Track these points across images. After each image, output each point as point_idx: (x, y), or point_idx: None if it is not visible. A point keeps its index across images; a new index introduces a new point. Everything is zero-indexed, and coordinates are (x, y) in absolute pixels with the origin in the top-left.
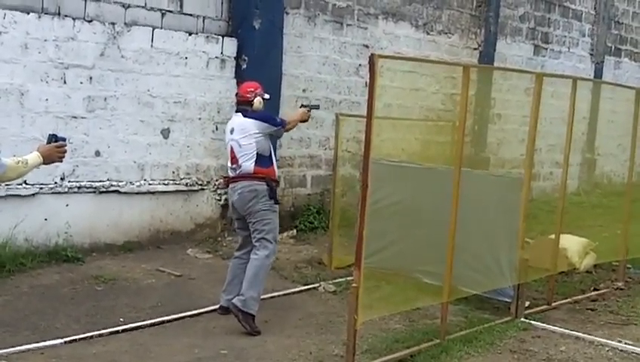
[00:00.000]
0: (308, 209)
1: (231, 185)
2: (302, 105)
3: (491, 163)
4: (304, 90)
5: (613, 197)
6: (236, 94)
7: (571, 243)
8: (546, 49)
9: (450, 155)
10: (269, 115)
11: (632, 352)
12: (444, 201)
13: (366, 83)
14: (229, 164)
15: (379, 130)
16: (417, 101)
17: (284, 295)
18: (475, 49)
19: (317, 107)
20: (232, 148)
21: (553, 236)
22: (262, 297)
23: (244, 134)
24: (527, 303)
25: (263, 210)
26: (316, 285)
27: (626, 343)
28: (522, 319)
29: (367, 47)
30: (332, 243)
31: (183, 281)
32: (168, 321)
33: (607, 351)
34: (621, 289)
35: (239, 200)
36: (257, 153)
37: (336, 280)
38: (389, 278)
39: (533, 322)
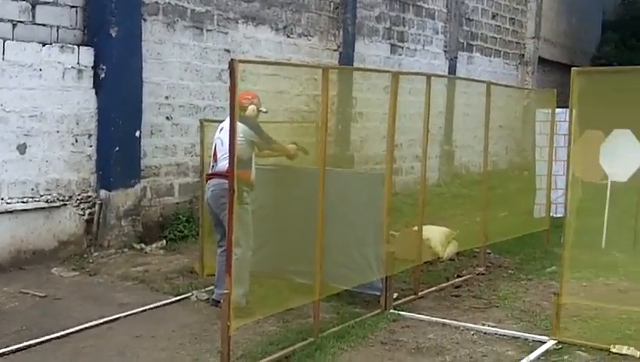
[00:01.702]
0: (177, 218)
1: (207, 182)
2: (294, 143)
3: (355, 160)
4: (167, 98)
5: (471, 186)
6: None
7: (434, 234)
8: (402, 47)
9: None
10: (260, 129)
11: (495, 334)
12: (312, 201)
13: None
14: (211, 161)
15: None
16: (282, 104)
17: (156, 307)
18: (334, 50)
19: (306, 151)
20: (215, 146)
21: (416, 228)
22: (132, 311)
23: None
24: (395, 294)
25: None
26: (188, 294)
27: (489, 325)
28: (392, 310)
29: (228, 51)
30: (202, 250)
31: (48, 302)
32: (35, 344)
33: (472, 334)
34: (483, 274)
35: (211, 197)
36: (238, 155)
37: (209, 288)
38: (262, 281)
39: (402, 312)
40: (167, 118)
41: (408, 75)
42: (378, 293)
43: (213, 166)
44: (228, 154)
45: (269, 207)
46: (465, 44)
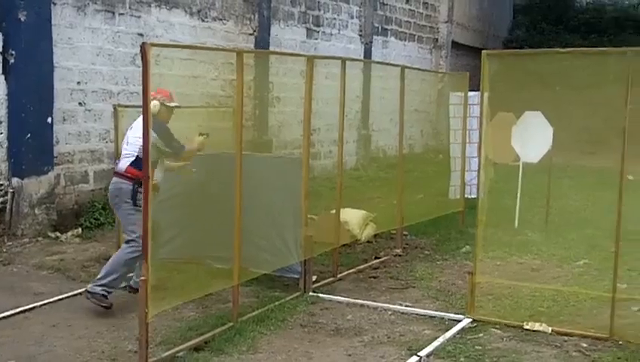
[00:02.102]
0: (92, 205)
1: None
2: (200, 134)
3: (274, 145)
4: (79, 83)
5: (388, 169)
6: None
7: (352, 217)
8: (318, 32)
9: (233, 141)
10: (170, 137)
11: (412, 313)
12: (230, 186)
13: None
14: (116, 161)
15: None
16: (197, 88)
17: (72, 296)
18: (250, 34)
19: (206, 134)
20: (121, 145)
21: (334, 211)
22: (48, 301)
23: (135, 134)
24: (314, 277)
25: (125, 209)
26: None
27: (406, 305)
28: (311, 293)
29: (142, 35)
30: (120, 238)
31: None
32: None
33: (390, 314)
34: (400, 255)
35: (109, 195)
36: (137, 156)
37: (129, 275)
38: (181, 268)
39: (321, 295)
40: (80, 103)
41: (323, 58)
42: (297, 276)
43: (116, 164)
44: (129, 154)
45: (186, 193)
46: (380, 28)
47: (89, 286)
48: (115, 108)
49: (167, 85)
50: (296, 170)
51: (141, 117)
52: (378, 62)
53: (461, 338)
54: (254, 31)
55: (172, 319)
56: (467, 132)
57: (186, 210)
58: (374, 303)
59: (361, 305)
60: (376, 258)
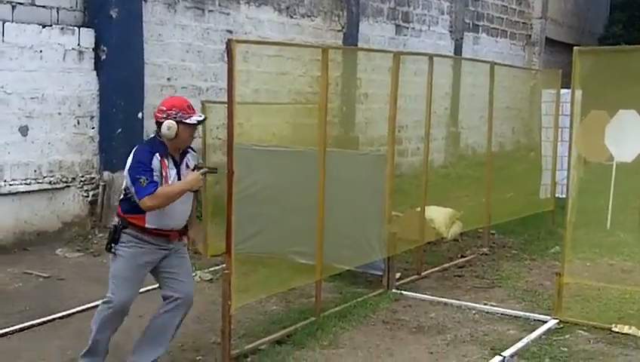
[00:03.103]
0: None
1: None
2: (195, 168)
3: (360, 142)
4: (169, 79)
5: (477, 167)
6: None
7: (438, 214)
8: (407, 28)
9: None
10: (140, 171)
11: (497, 313)
12: (313, 182)
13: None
14: None
15: (248, 115)
16: (285, 85)
17: (158, 288)
18: (338, 31)
19: (215, 171)
20: None
21: (419, 208)
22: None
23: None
24: (398, 274)
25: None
26: (192, 275)
27: (491, 305)
28: (394, 290)
29: (230, 32)
30: (206, 231)
31: (52, 283)
32: (38, 324)
33: (474, 313)
34: (486, 254)
35: None
36: (126, 194)
37: (213, 269)
38: (265, 262)
39: (404, 292)
40: None
41: (410, 55)
42: (380, 273)
43: None
44: (121, 192)
45: (270, 188)
46: (471, 24)
47: None
48: (202, 105)
49: (255, 82)
50: (381, 167)
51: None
52: (467, 59)
53: (546, 340)
54: (343, 27)
55: (255, 312)
56: (559, 130)
57: (271, 205)
58: (458, 302)
59: (445, 304)
60: (461, 256)
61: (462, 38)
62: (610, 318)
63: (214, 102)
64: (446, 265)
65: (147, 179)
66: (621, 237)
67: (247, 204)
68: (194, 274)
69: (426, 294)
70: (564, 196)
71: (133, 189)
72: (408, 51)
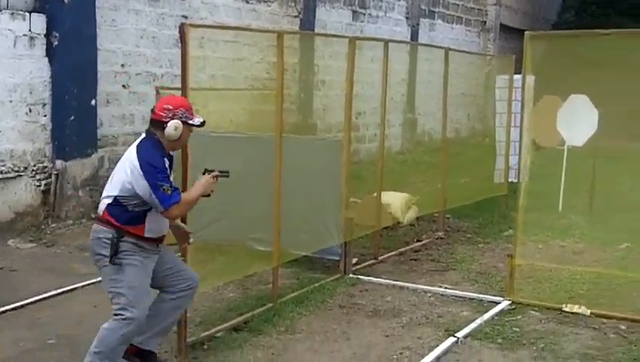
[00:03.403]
0: None
1: None
2: (205, 171)
3: (318, 128)
4: (122, 66)
5: (433, 153)
6: (152, 109)
7: (394, 199)
8: (364, 14)
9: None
10: (153, 169)
11: (451, 295)
12: (270, 169)
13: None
14: None
15: (205, 101)
16: (242, 71)
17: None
18: (295, 17)
19: (227, 174)
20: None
21: (376, 194)
22: (91, 281)
23: (121, 167)
24: (355, 259)
25: (106, 270)
26: None
27: (445, 287)
28: (351, 275)
29: (186, 17)
30: None
31: (4, 274)
32: None
33: (430, 296)
34: (442, 238)
35: (90, 250)
36: (116, 197)
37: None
38: (223, 249)
39: (361, 277)
40: (124, 86)
41: (365, 40)
42: (337, 259)
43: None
44: (109, 194)
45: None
46: (427, 10)
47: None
48: (157, 91)
49: (211, 68)
50: (337, 153)
51: (139, 139)
52: (422, 45)
53: (499, 320)
54: (299, 13)
55: (212, 300)
56: (512, 115)
57: (228, 193)
58: (414, 285)
59: (401, 287)
60: (417, 241)
61: (418, 25)
62: (561, 298)
63: (169, 89)
64: (402, 249)
65: (170, 187)
66: (572, 219)
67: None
68: None
69: (382, 278)
70: (517, 180)
71: (153, 197)
72: (364, 37)
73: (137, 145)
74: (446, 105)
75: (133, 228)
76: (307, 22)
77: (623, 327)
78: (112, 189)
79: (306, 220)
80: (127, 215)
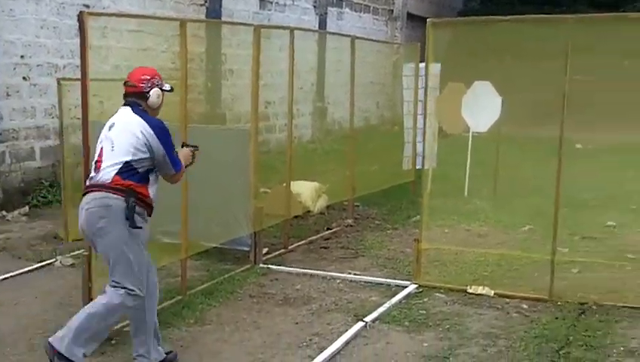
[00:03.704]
0: (40, 183)
1: (83, 197)
2: (187, 145)
3: (227, 118)
4: (22, 57)
5: (343, 141)
6: (125, 82)
7: (304, 189)
8: (272, 3)
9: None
10: (163, 129)
11: (360, 281)
12: None
13: (90, 44)
14: (92, 172)
15: (109, 93)
16: (147, 61)
17: (18, 275)
18: (201, 5)
19: (196, 148)
20: (101, 149)
21: (285, 183)
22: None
23: (125, 134)
24: (265, 249)
25: (114, 237)
26: (52, 260)
27: (355, 274)
28: (261, 265)
29: (88, 7)
30: (67, 215)
31: None
32: None
33: (339, 282)
34: (351, 225)
35: (86, 220)
36: (129, 162)
37: (74, 253)
38: None
39: (271, 266)
40: (25, 78)
41: (270, 28)
42: (248, 249)
43: (92, 176)
44: (117, 160)
45: None
46: None
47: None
48: (58, 83)
49: (115, 58)
50: (245, 143)
51: (122, 109)
52: (328, 33)
53: (406, 304)
54: (205, 1)
55: None
56: (419, 103)
57: None
58: (323, 272)
59: (311, 275)
60: (327, 229)
61: (326, 13)
62: (466, 280)
63: (71, 80)
64: (312, 237)
65: (176, 153)
66: (478, 204)
67: None
68: (54, 259)
69: (292, 267)
70: (426, 167)
71: (167, 159)
72: (269, 25)
73: (134, 113)
74: (353, 94)
75: (143, 188)
76: (213, 10)
77: (525, 306)
78: (119, 156)
79: (214, 211)
80: (139, 176)
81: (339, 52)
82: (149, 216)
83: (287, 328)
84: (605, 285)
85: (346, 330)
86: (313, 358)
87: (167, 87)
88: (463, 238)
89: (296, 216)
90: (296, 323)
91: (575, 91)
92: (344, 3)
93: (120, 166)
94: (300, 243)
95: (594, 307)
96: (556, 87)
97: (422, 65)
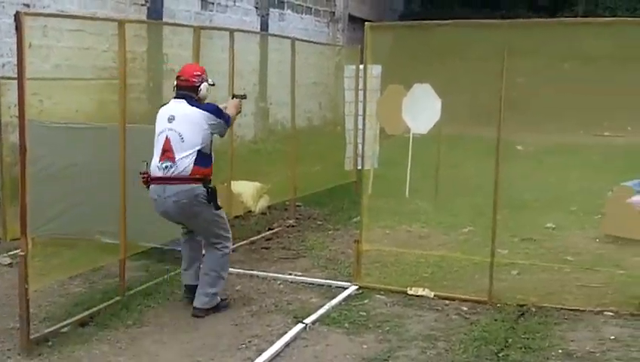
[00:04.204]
0: None
1: (155, 186)
2: (236, 95)
3: None
4: None
5: (286, 142)
6: (178, 77)
7: (246, 189)
8: (213, 3)
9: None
10: (219, 109)
11: (301, 282)
12: (116, 159)
13: (30, 43)
14: (158, 160)
15: (50, 92)
16: (88, 61)
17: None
18: (142, 5)
19: (244, 96)
20: (168, 140)
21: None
22: None
23: (190, 126)
24: None
25: (208, 217)
26: None
27: (295, 275)
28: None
29: (28, 6)
30: (5, 214)
31: None
32: None
33: (279, 284)
34: (293, 226)
35: (175, 209)
36: (200, 150)
37: (12, 253)
38: (70, 243)
39: None
40: None
41: (210, 29)
42: None
43: (167, 167)
44: (193, 152)
45: (73, 167)
46: (276, 0)
47: (198, 305)
48: None
49: (56, 57)
50: None
51: (176, 102)
52: (268, 34)
53: (346, 305)
54: (147, 1)
55: (58, 295)
56: (360, 104)
57: (74, 185)
58: (264, 273)
59: (251, 276)
60: (269, 229)
61: (268, 15)
62: (407, 282)
63: (10, 79)
64: (254, 238)
65: (223, 111)
66: (419, 205)
67: (48, 184)
68: None
69: (233, 267)
70: (367, 168)
71: (219, 120)
72: (209, 26)
73: (191, 106)
74: (294, 95)
75: (209, 171)
76: (154, 10)
77: (465, 308)
78: (190, 146)
79: (153, 211)
80: (204, 159)
81: (280, 53)
82: None
83: (226, 329)
84: (544, 287)
85: (286, 332)
86: (252, 360)
87: (211, 81)
88: (404, 239)
89: (237, 216)
90: (236, 325)
91: (516, 93)
92: (286, 4)
93: (195, 156)
94: (241, 243)
95: (533, 309)
96: (496, 88)
97: (362, 66)
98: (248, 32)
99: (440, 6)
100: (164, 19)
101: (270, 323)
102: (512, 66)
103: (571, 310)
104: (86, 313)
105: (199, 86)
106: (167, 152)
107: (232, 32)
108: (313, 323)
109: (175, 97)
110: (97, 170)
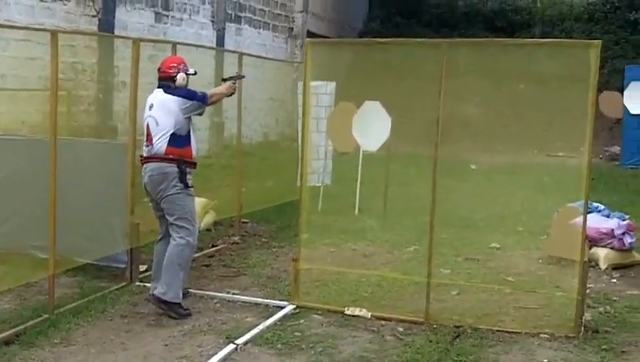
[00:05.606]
0: None
1: (143, 166)
2: (226, 78)
3: (119, 131)
4: None
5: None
6: (158, 69)
7: None
8: (168, 16)
9: (67, 125)
10: (191, 92)
11: (238, 301)
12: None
13: None
14: (144, 143)
15: None
16: (35, 71)
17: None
18: (94, 16)
19: (242, 77)
20: (148, 126)
21: None
22: None
23: (164, 111)
24: (144, 267)
25: (173, 194)
26: None
27: (233, 293)
28: (137, 283)
29: None
30: None
31: None
32: None
33: (216, 302)
34: (237, 243)
35: (150, 183)
36: (173, 133)
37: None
38: (2, 258)
39: (148, 285)
40: None
41: (150, 42)
42: (124, 266)
43: (149, 149)
44: (164, 134)
45: (7, 179)
46: (233, 15)
47: (157, 293)
48: None
49: (1, 67)
50: (121, 156)
51: (156, 92)
52: (215, 49)
53: (281, 325)
54: (98, 13)
55: None
56: (315, 121)
57: (9, 198)
58: (201, 291)
59: (188, 294)
60: (212, 246)
61: (224, 29)
62: (345, 301)
63: None
64: (195, 255)
65: (198, 92)
66: (367, 223)
67: None
68: None
69: None
70: (319, 184)
71: (194, 102)
72: (148, 39)
73: (165, 93)
74: (241, 110)
75: (186, 151)
76: (106, 22)
77: (401, 329)
78: (163, 129)
79: (88, 226)
80: (178, 140)
81: (232, 68)
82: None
83: (155, 350)
84: (482, 308)
85: (216, 353)
86: None
87: (191, 71)
88: (348, 258)
89: None
90: (166, 345)
91: (472, 114)
92: (243, 19)
93: (168, 138)
94: None
95: (469, 330)
96: (453, 108)
97: (316, 83)
98: (194, 45)
99: (399, 25)
100: (116, 31)
101: (201, 344)
102: (462, 85)
103: (507, 332)
104: (12, 331)
105: (175, 76)
106: (149, 136)
107: (174, 44)
108: (245, 343)
109: (157, 87)
110: (31, 183)
